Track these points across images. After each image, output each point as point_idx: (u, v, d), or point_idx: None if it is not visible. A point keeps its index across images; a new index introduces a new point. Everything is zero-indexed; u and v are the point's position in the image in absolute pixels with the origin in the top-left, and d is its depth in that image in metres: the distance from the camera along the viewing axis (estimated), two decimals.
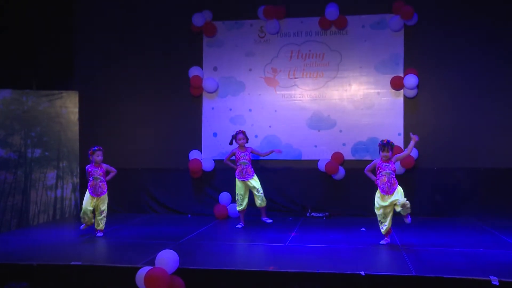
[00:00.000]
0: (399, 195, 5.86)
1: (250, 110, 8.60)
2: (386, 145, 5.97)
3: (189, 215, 8.53)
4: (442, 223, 7.60)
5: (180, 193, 8.64)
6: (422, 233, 6.87)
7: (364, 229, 7.15)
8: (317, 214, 8.22)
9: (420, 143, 7.70)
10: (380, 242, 6.13)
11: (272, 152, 7.56)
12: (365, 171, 6.17)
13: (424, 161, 8.17)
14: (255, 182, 7.34)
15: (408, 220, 5.99)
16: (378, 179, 6.00)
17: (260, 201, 7.35)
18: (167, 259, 4.72)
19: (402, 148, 8.04)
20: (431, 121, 8.26)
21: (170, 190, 8.67)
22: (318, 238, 6.62)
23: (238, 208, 7.46)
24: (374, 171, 6.06)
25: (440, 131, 8.22)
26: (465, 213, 8.01)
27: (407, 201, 5.82)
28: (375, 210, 6.00)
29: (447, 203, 8.14)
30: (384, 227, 6.08)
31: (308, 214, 8.26)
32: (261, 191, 7.32)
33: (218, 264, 5.18)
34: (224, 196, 8.44)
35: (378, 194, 6.00)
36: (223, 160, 7.88)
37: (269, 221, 7.38)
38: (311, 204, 8.41)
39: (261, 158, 7.95)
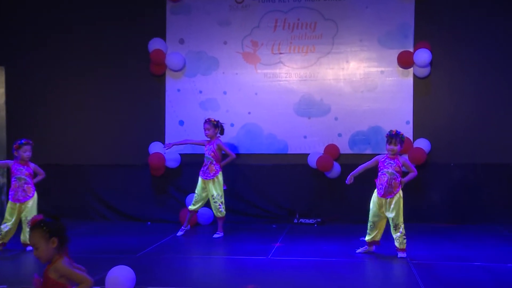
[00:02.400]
0: (393, 212, 5.90)
1: (224, 92, 8.57)
2: (394, 137, 5.94)
3: (149, 223, 8.53)
4: (460, 232, 7.63)
5: (138, 195, 8.62)
6: (436, 243, 6.90)
7: (363, 238, 6.89)
8: (307, 220, 8.24)
9: (434, 133, 8.14)
10: (356, 251, 6.24)
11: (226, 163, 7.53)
12: (360, 164, 6.23)
13: (438, 155, 8.17)
14: (212, 185, 7.33)
15: (401, 254, 6.05)
16: (378, 178, 6.05)
17: (214, 210, 7.37)
18: (121, 277, 4.62)
19: (412, 139, 8.09)
20: (447, 106, 8.28)
21: (125, 192, 8.63)
22: (308, 249, 6.65)
23: (189, 207, 7.48)
24: (374, 168, 6.11)
25: (458, 119, 8.24)
26: (489, 219, 8.03)
27: (401, 233, 5.90)
28: (370, 213, 6.08)
29: (466, 207, 8.14)
30: (367, 235, 6.15)
31: (296, 220, 8.28)
32: (218, 200, 7.31)
33: (184, 283, 5.14)
34: (192, 198, 8.05)
35: (374, 194, 6.06)
36: (191, 154, 7.96)
37: (218, 235, 7.39)
38: (299, 208, 8.40)
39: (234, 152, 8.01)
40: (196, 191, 7.44)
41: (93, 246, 6.89)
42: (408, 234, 6.40)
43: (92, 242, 7.11)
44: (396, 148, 5.95)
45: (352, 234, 7.43)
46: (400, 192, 5.93)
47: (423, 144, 8.11)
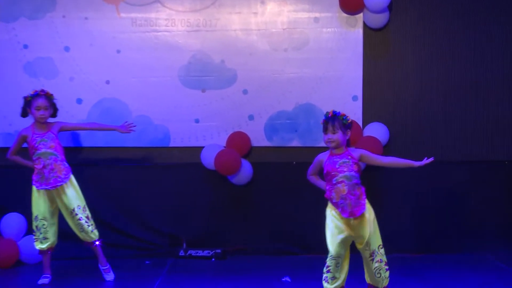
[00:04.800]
0: (367, 232, 5.85)
1: (66, 49, 8.25)
2: (330, 121, 5.85)
3: None
4: (433, 265, 7.67)
5: None
6: (399, 283, 6.83)
7: (288, 278, 7.08)
8: (200, 253, 8.15)
9: (394, 114, 8.17)
10: None
11: (115, 128, 7.49)
12: (307, 176, 6.12)
13: (400, 149, 8.06)
14: (69, 194, 7.09)
15: None
16: (330, 191, 5.88)
17: (82, 231, 7.14)
18: None
19: (361, 124, 8.05)
20: (414, 73, 8.20)
21: None
22: None
23: (38, 246, 7.16)
24: (321, 173, 6.00)
25: (430, 93, 8.19)
26: (474, 244, 8.05)
27: (381, 261, 5.87)
28: (328, 244, 5.85)
29: (442, 228, 8.17)
30: (334, 282, 5.86)
31: (182, 253, 8.15)
32: (83, 214, 7.11)
33: None
34: (11, 222, 8.01)
35: (331, 212, 5.91)
36: (5, 148, 7.65)
37: (110, 277, 7.28)
38: (188, 233, 8.26)
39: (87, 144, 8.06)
40: (36, 215, 7.11)
41: None
42: (357, 269, 6.23)
43: None
44: (336, 137, 5.80)
45: (269, 272, 7.40)
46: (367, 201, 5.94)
47: (377, 131, 8.01)
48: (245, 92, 8.23)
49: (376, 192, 7.67)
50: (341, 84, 8.15)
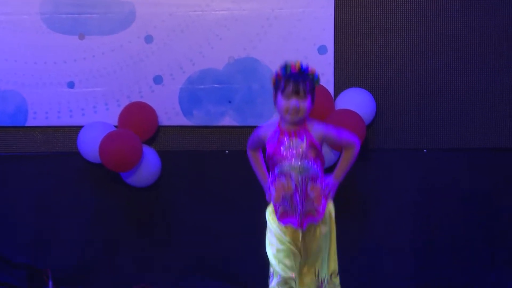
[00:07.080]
0: (317, 247, 5.28)
1: None
2: (299, 78, 5.12)
3: None
4: None
5: None
6: None
7: None
8: None
9: (383, 78, 7.55)
10: None
11: None
12: (247, 150, 5.63)
13: (392, 130, 7.32)
14: None
15: None
16: (272, 181, 5.33)
17: None
18: None
19: (332, 92, 7.14)
20: (420, 12, 7.28)
21: None
22: None
23: None
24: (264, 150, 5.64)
25: (444, 44, 7.29)
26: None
27: None
28: (271, 260, 5.36)
29: (467, 258, 7.23)
30: None
31: None
32: None
33: None
34: None
35: (271, 217, 5.34)
36: None
37: None
38: (56, 264, 7.30)
39: None
40: None
41: None
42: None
43: None
44: (303, 105, 5.06)
45: None
46: (330, 207, 5.21)
47: (357, 101, 7.17)
48: (148, 39, 7.29)
49: (353, 196, 7.10)
50: (302, 28, 7.21)
